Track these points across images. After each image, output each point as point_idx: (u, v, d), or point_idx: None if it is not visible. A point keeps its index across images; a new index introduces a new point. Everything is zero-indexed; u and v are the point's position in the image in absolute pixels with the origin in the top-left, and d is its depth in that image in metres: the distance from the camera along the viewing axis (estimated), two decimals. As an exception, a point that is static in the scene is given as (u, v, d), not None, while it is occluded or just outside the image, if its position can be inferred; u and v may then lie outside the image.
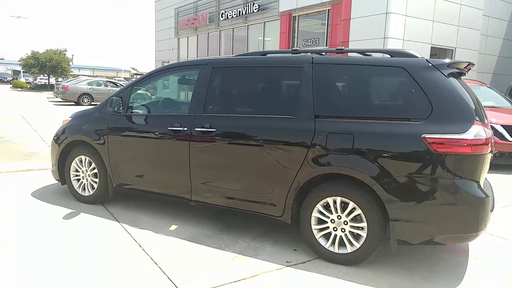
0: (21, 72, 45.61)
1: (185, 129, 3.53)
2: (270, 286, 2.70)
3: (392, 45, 12.45)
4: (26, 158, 6.37)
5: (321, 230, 3.07)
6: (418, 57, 3.04)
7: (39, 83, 38.72)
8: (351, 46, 13.06)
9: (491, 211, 2.83)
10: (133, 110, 4.10)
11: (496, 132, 6.45)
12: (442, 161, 2.66)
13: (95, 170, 4.15)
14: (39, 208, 4.06)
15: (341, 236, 2.99)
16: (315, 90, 3.11)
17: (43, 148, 7.24)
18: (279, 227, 3.52)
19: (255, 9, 18.94)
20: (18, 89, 35.47)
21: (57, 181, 4.52)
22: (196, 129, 3.47)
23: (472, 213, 2.68)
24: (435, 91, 2.78)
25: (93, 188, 4.21)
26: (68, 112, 5.22)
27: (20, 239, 3.28)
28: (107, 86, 21.46)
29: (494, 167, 4.36)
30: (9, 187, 4.74)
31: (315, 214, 3.06)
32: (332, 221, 3.01)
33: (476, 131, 2.65)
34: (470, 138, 2.63)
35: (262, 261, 3.03)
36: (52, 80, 37.15)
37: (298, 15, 17.18)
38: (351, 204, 2.91)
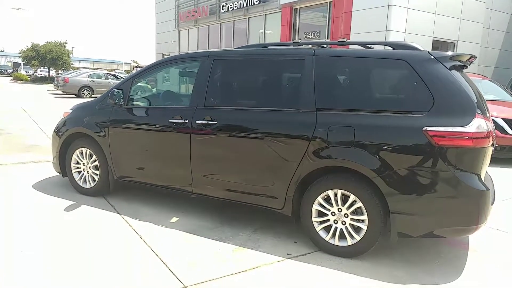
0: (21, 64, 45.48)
1: (186, 121, 3.52)
2: (270, 278, 2.72)
3: (394, 38, 12.41)
4: (27, 150, 6.38)
5: (321, 222, 3.08)
6: (420, 50, 3.02)
7: (39, 76, 38.67)
8: (353, 38, 13.02)
9: (492, 204, 2.84)
10: (134, 103, 4.10)
11: (497, 126, 6.43)
12: (444, 154, 2.66)
13: (96, 162, 4.15)
14: (40, 200, 4.07)
15: (341, 228, 3.00)
16: (316, 82, 3.10)
17: (44, 140, 7.24)
18: (280, 220, 3.53)
19: (256, 1, 18.84)
20: (19, 81, 35.41)
21: (58, 173, 4.53)
22: (197, 121, 3.46)
23: (472, 206, 2.68)
24: (437, 84, 2.76)
25: (94, 180, 4.22)
26: (69, 104, 5.22)
27: (22, 230, 3.29)
28: (107, 79, 21.44)
29: (494, 161, 4.36)
30: (10, 179, 4.75)
31: (315, 206, 3.06)
32: (333, 213, 3.02)
33: (477, 124, 2.65)
34: (472, 131, 2.62)
35: (262, 253, 3.05)
36: (53, 73, 37.06)
37: (299, 8, 17.09)
38: (352, 197, 2.91)
